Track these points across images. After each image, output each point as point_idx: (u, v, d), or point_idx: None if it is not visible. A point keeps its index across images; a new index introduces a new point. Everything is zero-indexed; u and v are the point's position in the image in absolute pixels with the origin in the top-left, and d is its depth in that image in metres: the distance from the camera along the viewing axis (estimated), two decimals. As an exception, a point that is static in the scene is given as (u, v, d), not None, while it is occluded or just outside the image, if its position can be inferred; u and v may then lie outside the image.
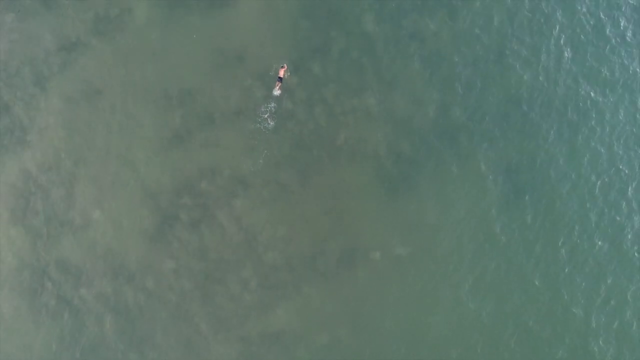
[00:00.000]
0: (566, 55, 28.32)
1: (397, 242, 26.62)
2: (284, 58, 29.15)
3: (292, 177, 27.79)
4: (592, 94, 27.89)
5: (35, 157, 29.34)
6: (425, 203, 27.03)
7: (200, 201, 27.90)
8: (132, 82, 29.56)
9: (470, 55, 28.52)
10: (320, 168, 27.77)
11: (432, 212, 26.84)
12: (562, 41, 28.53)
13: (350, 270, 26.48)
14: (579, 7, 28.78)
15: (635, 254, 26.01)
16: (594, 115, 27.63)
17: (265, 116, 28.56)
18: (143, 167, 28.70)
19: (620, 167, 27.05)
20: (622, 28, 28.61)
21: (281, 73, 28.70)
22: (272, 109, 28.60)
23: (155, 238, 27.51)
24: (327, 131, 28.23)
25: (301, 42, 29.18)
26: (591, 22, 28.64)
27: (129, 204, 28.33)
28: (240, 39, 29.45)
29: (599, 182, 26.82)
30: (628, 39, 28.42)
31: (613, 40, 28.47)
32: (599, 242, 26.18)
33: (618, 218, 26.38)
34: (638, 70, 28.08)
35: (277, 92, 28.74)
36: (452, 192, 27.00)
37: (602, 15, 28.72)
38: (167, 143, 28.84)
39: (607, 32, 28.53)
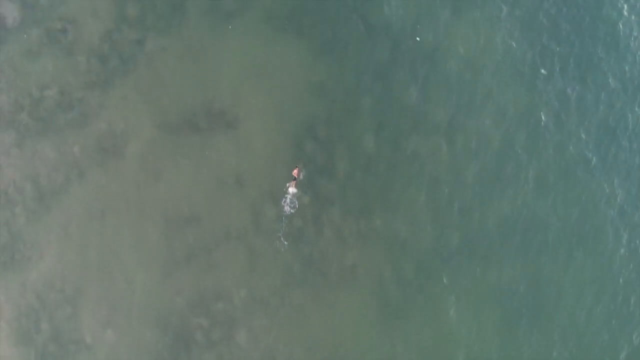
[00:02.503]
0: (566, 180, 31.04)
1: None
2: (298, 161, 30.57)
3: (306, 297, 29.46)
4: (590, 219, 30.71)
5: (38, 274, 29.10)
6: (424, 327, 29.33)
7: (216, 322, 28.84)
8: (138, 203, 29.92)
9: (469, 176, 30.77)
10: (330, 289, 29.61)
11: (431, 337, 29.21)
12: (563, 165, 31.12)
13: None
14: (570, 146, 31.26)
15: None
16: (594, 239, 30.37)
17: (279, 234, 30.13)
18: (155, 287, 29.27)
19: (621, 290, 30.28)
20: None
21: (295, 173, 30.30)
22: (285, 227, 30.21)
23: (170, 361, 28.04)
24: (335, 252, 30.14)
25: (306, 163, 30.84)
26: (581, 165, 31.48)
27: (142, 324, 28.79)
28: (246, 161, 30.46)
29: (598, 308, 29.98)
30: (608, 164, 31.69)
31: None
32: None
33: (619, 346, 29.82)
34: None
35: (293, 189, 30.28)
36: (452, 316, 29.43)
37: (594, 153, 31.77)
38: (179, 263, 29.54)
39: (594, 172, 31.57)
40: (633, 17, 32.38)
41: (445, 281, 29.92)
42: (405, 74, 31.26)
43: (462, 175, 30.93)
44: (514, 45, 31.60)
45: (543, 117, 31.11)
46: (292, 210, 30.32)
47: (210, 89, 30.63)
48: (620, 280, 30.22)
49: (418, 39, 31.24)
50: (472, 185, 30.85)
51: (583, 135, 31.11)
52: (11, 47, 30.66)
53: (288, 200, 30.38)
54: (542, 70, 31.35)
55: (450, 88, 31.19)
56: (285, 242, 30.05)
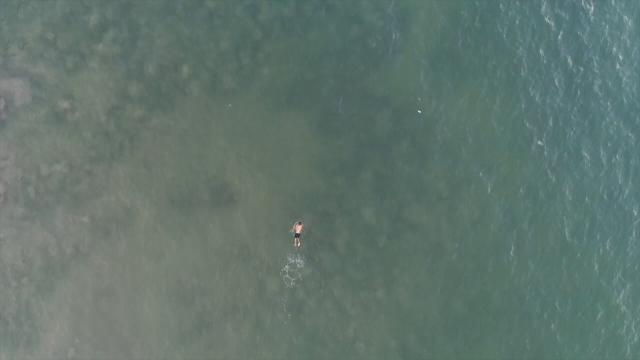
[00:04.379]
0: (567, 239, 31.01)
1: None
2: (300, 216, 30.98)
3: (310, 370, 29.91)
4: (592, 290, 30.67)
5: (47, 347, 29.94)
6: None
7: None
8: (144, 276, 30.58)
9: (471, 246, 30.96)
10: (334, 361, 30.04)
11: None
12: (564, 235, 31.03)
13: None
14: (570, 216, 31.19)
15: None
16: (598, 314, 30.28)
17: (282, 306, 30.51)
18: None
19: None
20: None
21: (298, 230, 30.77)
22: (288, 299, 30.57)
23: None
24: (338, 323, 30.44)
25: (307, 235, 31.17)
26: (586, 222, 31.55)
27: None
28: (249, 234, 30.94)
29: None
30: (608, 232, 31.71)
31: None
32: None
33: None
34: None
35: (297, 245, 30.85)
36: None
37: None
38: (186, 336, 30.08)
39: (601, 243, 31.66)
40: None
41: (450, 351, 30.06)
42: (406, 145, 31.51)
43: (465, 245, 31.04)
44: (513, 116, 31.67)
45: (542, 188, 31.11)
46: (294, 282, 30.71)
47: (213, 164, 31.18)
48: None
49: (419, 111, 31.45)
50: (474, 255, 30.96)
51: (583, 206, 31.07)
52: (20, 125, 31.49)
53: (288, 270, 30.78)
54: (539, 142, 31.39)
55: (450, 159, 31.35)
56: (289, 315, 30.43)
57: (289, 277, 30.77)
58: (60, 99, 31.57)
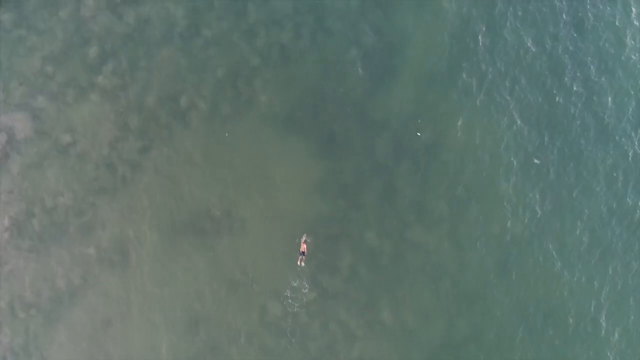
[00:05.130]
0: (570, 269, 31.18)
1: None
2: (303, 232, 31.18)
3: (316, 397, 30.22)
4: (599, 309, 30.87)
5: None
6: None
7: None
8: (150, 304, 30.87)
9: (473, 265, 31.11)
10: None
11: None
12: (566, 253, 31.14)
13: None
14: (570, 233, 31.34)
15: None
16: (606, 332, 30.46)
17: (287, 331, 30.82)
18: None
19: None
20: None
21: (303, 247, 31.02)
22: (291, 324, 30.88)
23: None
24: (343, 345, 30.73)
25: (309, 260, 31.33)
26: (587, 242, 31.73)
27: None
28: (251, 260, 31.24)
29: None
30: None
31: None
32: None
33: None
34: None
35: (301, 264, 31.08)
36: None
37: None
38: (192, 365, 30.54)
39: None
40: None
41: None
42: (406, 167, 31.77)
43: (467, 265, 31.27)
44: (511, 136, 31.84)
45: (540, 206, 31.27)
46: (298, 307, 31.01)
47: (214, 192, 31.54)
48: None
49: (419, 134, 31.66)
50: (477, 274, 31.19)
51: (584, 224, 31.22)
52: (23, 158, 31.92)
53: (291, 295, 31.08)
54: (535, 160, 31.52)
55: (451, 180, 31.59)
56: (293, 339, 30.74)
57: (292, 302, 31.06)
58: (62, 132, 31.96)
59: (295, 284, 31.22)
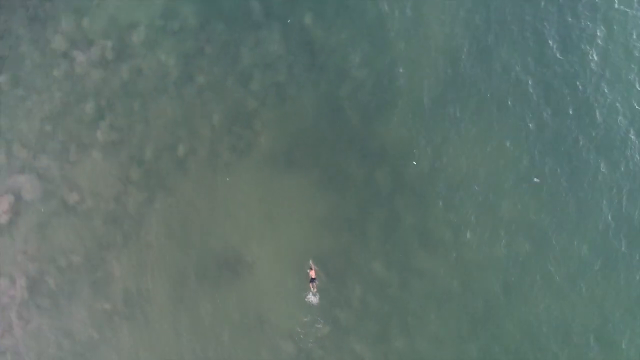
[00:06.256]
0: (573, 285, 30.99)
1: None
2: (309, 260, 31.65)
3: None
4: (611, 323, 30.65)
5: None
6: None
7: None
8: (166, 353, 31.72)
9: (478, 288, 31.22)
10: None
11: None
12: (572, 270, 30.85)
13: None
14: (575, 250, 31.05)
15: None
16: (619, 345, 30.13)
17: (300, 371, 31.51)
18: None
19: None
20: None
21: (312, 274, 31.52)
22: (304, 361, 31.57)
23: None
24: (359, 380, 31.33)
25: (320, 295, 31.79)
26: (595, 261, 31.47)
27: None
28: (262, 301, 31.80)
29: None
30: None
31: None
32: None
33: None
34: None
35: (314, 295, 31.53)
36: None
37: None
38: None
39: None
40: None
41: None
42: (407, 195, 31.90)
43: (474, 287, 31.41)
44: (510, 158, 31.80)
45: (544, 226, 31.27)
46: (311, 343, 31.54)
47: (220, 236, 32.07)
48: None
49: (414, 163, 31.82)
50: (484, 296, 31.30)
51: (589, 239, 31.16)
52: (32, 219, 32.74)
53: (303, 331, 31.58)
54: (536, 179, 31.43)
55: (451, 206, 31.67)
56: (308, 377, 31.37)
57: (306, 338, 31.59)
58: (67, 190, 32.68)
59: (306, 319, 31.72)
